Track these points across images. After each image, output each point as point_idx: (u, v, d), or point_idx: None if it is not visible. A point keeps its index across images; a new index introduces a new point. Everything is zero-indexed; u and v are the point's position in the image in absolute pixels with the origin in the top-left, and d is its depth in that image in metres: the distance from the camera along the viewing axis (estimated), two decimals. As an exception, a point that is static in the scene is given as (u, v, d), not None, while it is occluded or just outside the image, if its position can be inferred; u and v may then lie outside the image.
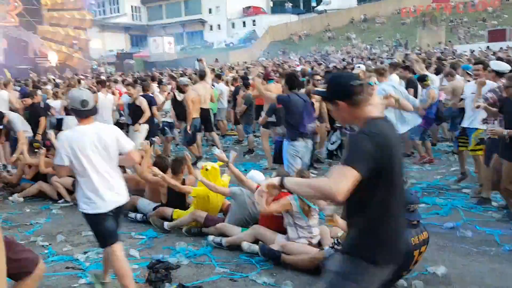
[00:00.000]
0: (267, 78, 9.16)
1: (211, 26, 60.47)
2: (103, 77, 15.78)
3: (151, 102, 8.84)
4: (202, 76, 9.62)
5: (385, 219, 2.26)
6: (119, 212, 3.77)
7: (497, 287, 3.85)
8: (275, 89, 8.35)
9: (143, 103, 8.67)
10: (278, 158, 6.84)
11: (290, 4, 60.14)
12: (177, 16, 60.95)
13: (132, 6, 60.58)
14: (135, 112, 8.79)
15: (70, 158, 3.56)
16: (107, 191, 3.62)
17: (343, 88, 2.31)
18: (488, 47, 25.60)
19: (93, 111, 3.75)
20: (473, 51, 23.60)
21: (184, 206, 5.86)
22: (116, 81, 13.61)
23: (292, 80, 6.06)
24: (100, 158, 3.61)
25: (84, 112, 3.67)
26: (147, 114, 8.60)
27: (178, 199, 5.82)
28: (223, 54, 44.66)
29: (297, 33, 53.26)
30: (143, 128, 8.64)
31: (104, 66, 36.04)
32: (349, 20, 53.41)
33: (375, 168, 2.10)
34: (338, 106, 2.33)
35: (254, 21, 58.08)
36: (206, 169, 5.42)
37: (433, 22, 43.00)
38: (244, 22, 59.10)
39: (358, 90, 2.27)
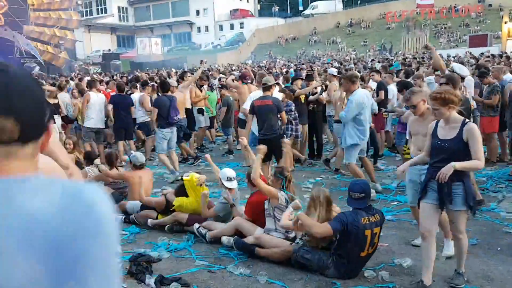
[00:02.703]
0: (242, 79, 9.50)
1: (198, 28, 60.62)
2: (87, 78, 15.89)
3: (121, 102, 9.34)
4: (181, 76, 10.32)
5: None
6: None
7: (458, 277, 4.10)
8: (248, 90, 8.83)
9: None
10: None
11: (277, 7, 60.59)
12: (165, 18, 61.00)
13: (119, 7, 60.48)
14: None
15: None
16: None
17: None
18: (469, 52, 26.16)
19: None
20: (455, 56, 24.15)
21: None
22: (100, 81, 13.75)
23: (163, 86, 8.67)
24: None
25: None
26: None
27: (166, 208, 5.91)
28: (211, 56, 44.83)
29: (283, 36, 53.69)
30: None
31: (91, 67, 35.99)
32: (335, 24, 54.01)
33: None
34: None
35: (241, 23, 58.39)
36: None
37: (417, 27, 43.72)
38: (231, 25, 59.38)
39: None
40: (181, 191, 5.75)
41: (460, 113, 3.80)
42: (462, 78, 6.33)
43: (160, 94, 9.51)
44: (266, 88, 7.06)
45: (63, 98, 10.37)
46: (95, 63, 39.17)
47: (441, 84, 5.66)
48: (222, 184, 5.48)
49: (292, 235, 4.81)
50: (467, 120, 3.76)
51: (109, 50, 50.27)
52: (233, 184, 5.52)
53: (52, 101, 9.58)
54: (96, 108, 9.28)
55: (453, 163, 3.57)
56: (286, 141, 6.18)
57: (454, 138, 3.68)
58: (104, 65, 35.86)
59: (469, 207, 3.71)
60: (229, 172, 5.58)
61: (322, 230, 4.09)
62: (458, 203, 3.70)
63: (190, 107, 9.93)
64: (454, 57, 22.97)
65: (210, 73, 18.08)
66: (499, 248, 4.74)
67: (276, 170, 5.14)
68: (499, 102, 7.89)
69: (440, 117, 3.76)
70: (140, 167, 6.36)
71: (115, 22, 59.35)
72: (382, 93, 9.07)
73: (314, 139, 9.33)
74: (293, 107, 8.25)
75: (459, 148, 3.64)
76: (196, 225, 5.30)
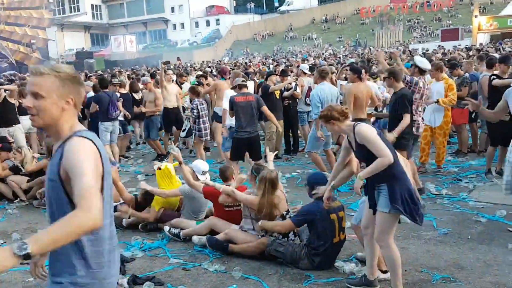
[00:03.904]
0: (222, 74, 9.48)
1: (174, 25, 60.10)
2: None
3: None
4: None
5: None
6: None
7: (429, 267, 4.17)
8: (226, 85, 8.80)
9: None
10: (235, 154, 7.02)
11: (253, 4, 60.51)
12: (139, 15, 60.27)
13: (92, 5, 59.50)
14: None
15: None
16: None
17: None
18: (439, 45, 26.62)
19: None
20: (427, 50, 24.53)
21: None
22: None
23: (102, 82, 9.06)
24: None
25: None
26: None
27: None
28: (187, 53, 44.54)
29: (260, 32, 53.66)
30: None
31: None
32: (311, 20, 54.24)
33: None
34: None
35: (217, 20, 58.13)
36: (159, 168, 5.63)
37: (390, 22, 44.26)
38: (207, 21, 59.06)
39: None
40: (147, 199, 5.65)
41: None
42: (424, 71, 6.45)
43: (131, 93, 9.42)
44: (243, 85, 7.03)
45: None
46: (68, 62, 38.43)
47: (384, 78, 5.95)
48: (196, 177, 5.42)
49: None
50: (356, 123, 3.59)
51: (83, 48, 49.41)
52: (207, 179, 5.49)
53: (14, 101, 9.18)
54: None
55: (358, 175, 3.53)
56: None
57: (357, 147, 3.55)
58: (78, 64, 35.19)
59: (395, 210, 3.40)
60: (203, 165, 5.52)
61: (286, 228, 4.40)
62: (381, 204, 3.49)
63: (172, 106, 9.74)
64: (426, 51, 23.34)
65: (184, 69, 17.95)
66: (469, 237, 4.83)
67: (253, 167, 5.13)
68: (469, 94, 8.03)
69: (332, 132, 3.86)
70: None
71: (88, 20, 58.41)
72: None
73: (290, 134, 9.36)
74: (199, 105, 8.19)
75: (365, 155, 3.47)
76: (166, 228, 5.22)
